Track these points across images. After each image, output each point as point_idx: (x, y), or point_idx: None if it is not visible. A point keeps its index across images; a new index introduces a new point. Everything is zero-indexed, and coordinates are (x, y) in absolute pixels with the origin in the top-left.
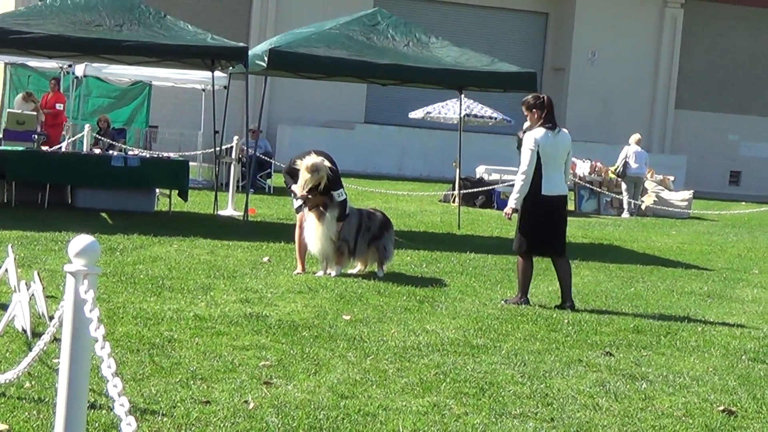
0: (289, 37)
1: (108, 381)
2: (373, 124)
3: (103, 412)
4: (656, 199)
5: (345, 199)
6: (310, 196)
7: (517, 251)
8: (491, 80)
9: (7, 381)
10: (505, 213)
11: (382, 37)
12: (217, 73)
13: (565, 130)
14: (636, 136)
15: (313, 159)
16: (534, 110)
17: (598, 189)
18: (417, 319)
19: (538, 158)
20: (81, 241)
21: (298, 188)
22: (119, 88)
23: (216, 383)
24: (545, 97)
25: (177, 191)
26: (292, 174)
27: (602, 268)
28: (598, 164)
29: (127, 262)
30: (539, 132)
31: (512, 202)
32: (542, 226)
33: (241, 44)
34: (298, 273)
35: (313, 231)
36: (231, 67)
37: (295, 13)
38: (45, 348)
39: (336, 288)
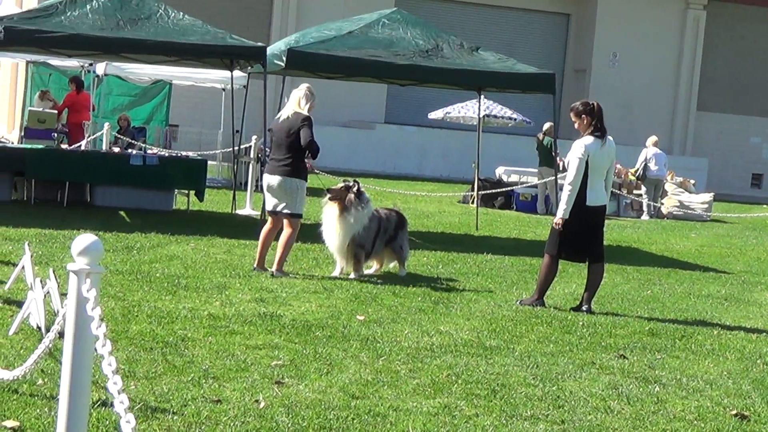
0: (307, 37)
1: (108, 379)
2: (392, 125)
3: (114, 409)
4: (676, 203)
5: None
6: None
7: (548, 252)
8: (510, 81)
9: (15, 378)
10: (555, 224)
11: (401, 37)
12: (237, 73)
13: (610, 138)
14: (653, 138)
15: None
16: (583, 116)
17: (617, 191)
18: (431, 320)
19: (586, 167)
20: (84, 240)
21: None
22: (139, 86)
23: (228, 382)
24: (595, 104)
25: (194, 191)
26: None
27: (620, 270)
28: (618, 166)
29: (143, 261)
30: (589, 140)
31: (561, 213)
32: (581, 235)
33: (260, 44)
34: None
35: (333, 226)
36: (250, 67)
37: (316, 13)
38: (51, 345)
39: (351, 288)
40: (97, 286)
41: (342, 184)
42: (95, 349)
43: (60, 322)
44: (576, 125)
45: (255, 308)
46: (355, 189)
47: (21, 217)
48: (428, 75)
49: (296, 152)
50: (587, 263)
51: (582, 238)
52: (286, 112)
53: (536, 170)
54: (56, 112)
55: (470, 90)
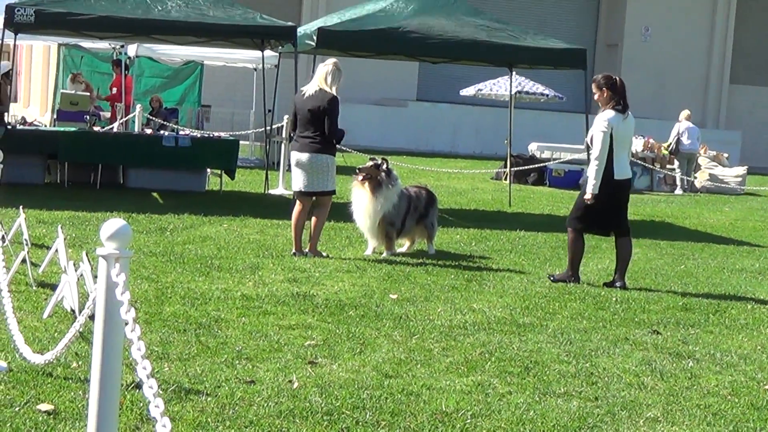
0: (337, 18)
1: (137, 363)
2: (425, 102)
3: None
4: (709, 177)
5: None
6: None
7: (571, 227)
8: (541, 57)
9: (48, 361)
10: (586, 199)
11: (431, 15)
12: (268, 52)
13: (630, 113)
14: (686, 112)
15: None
16: (604, 89)
17: (650, 165)
18: (464, 297)
19: (611, 141)
20: (112, 224)
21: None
22: (171, 67)
23: (261, 363)
24: (617, 79)
25: (224, 170)
26: None
27: (653, 246)
28: (651, 140)
29: (176, 242)
30: (610, 114)
31: (590, 188)
32: (608, 209)
33: (290, 23)
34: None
35: (363, 206)
36: (281, 47)
37: None
38: (81, 329)
39: (384, 267)
40: (126, 270)
41: (371, 162)
42: (125, 334)
43: (90, 305)
44: (596, 97)
45: (288, 288)
46: (384, 167)
47: (54, 200)
48: (459, 52)
49: (324, 129)
50: (614, 238)
51: (609, 212)
52: (311, 88)
53: (569, 146)
54: (88, 94)
55: (501, 66)
